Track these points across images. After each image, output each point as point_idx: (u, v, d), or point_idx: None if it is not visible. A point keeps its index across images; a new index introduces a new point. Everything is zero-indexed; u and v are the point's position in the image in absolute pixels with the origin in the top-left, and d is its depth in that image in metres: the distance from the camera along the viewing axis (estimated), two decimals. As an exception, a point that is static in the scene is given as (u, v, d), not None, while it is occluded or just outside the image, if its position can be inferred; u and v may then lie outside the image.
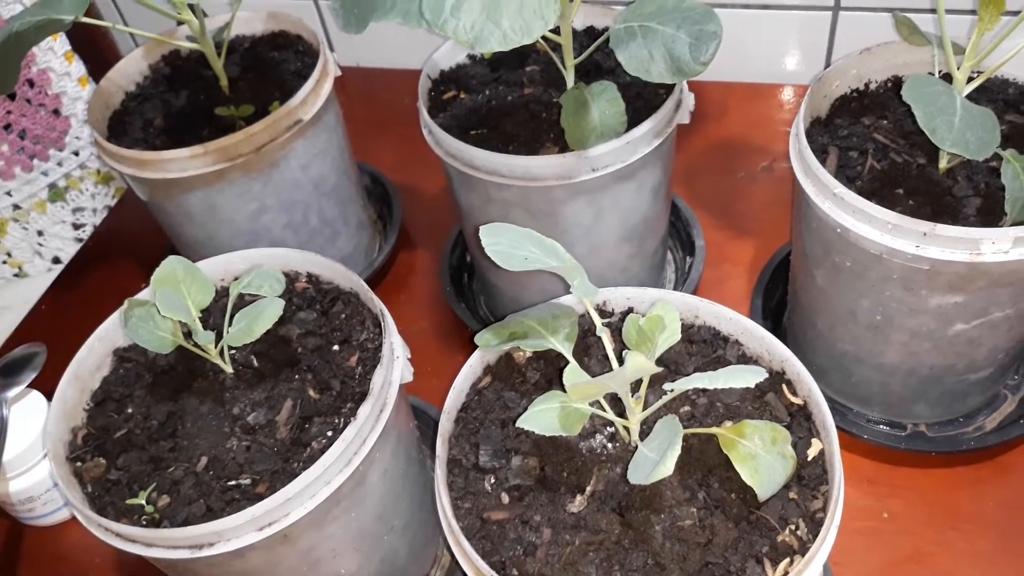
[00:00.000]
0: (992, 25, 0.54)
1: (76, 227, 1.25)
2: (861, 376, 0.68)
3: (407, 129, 0.72)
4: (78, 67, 1.13)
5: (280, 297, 0.57)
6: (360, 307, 0.60)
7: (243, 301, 0.57)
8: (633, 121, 0.65)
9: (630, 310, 0.56)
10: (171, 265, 0.53)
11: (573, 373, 0.44)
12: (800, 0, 0.94)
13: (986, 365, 0.65)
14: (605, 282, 0.75)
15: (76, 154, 1.18)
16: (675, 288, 0.83)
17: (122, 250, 1.02)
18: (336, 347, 0.58)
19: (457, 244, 0.88)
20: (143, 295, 0.57)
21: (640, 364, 0.39)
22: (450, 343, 0.83)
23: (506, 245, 0.46)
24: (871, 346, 0.65)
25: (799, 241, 0.67)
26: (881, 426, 0.71)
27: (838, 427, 0.68)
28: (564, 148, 0.65)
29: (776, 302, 0.80)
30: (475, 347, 0.51)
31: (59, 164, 1.18)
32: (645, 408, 0.47)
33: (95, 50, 1.21)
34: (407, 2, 0.59)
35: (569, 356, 0.48)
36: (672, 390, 0.42)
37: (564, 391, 0.47)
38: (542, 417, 0.44)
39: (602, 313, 0.56)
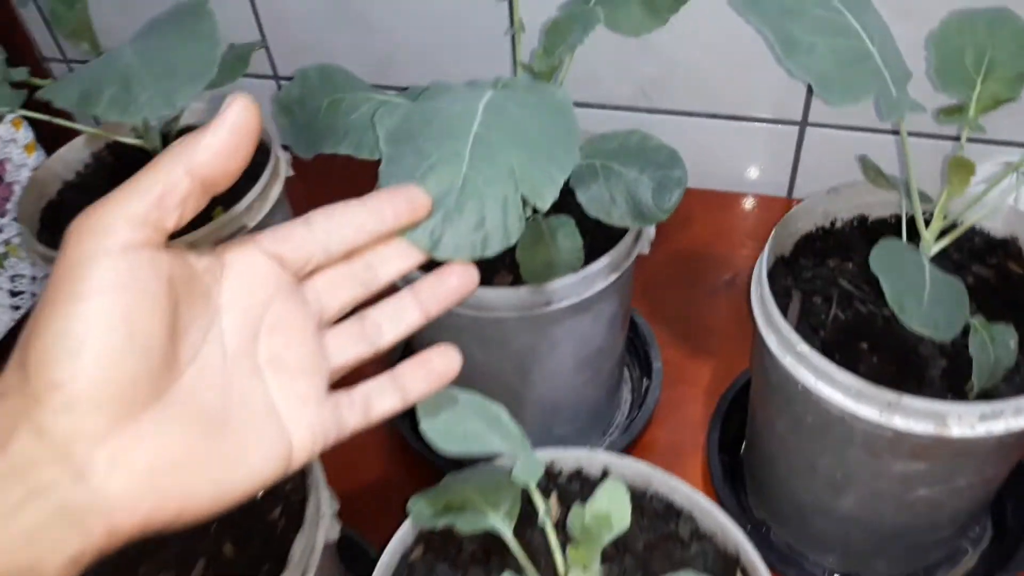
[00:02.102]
0: (961, 191, 0.52)
1: (13, 295, 1.19)
2: (820, 527, 0.65)
3: None
4: (26, 133, 1.09)
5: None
6: (290, 448, 0.55)
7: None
8: (591, 250, 0.62)
9: (579, 471, 0.53)
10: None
11: (508, 584, 0.40)
12: (768, 113, 0.93)
13: (948, 525, 0.62)
14: (558, 409, 0.72)
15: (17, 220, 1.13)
16: (631, 411, 0.80)
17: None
18: (259, 495, 0.54)
19: (407, 350, 0.84)
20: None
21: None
22: (394, 462, 0.78)
23: (444, 422, 0.42)
24: (831, 501, 0.62)
25: (759, 386, 0.64)
26: (839, 576, 0.68)
27: (794, 583, 0.65)
28: (519, 276, 0.62)
29: (735, 430, 0.77)
30: (421, 468, 0.47)
31: (-1, 230, 1.13)
32: (589, 601, 0.43)
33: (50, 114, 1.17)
34: (359, 132, 0.56)
35: (510, 538, 0.44)
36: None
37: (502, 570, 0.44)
38: (473, 622, 0.40)
39: (549, 474, 0.53)
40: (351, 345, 0.41)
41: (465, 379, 0.71)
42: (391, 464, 0.78)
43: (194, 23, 0.53)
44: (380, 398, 0.40)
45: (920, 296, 0.48)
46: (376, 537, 0.70)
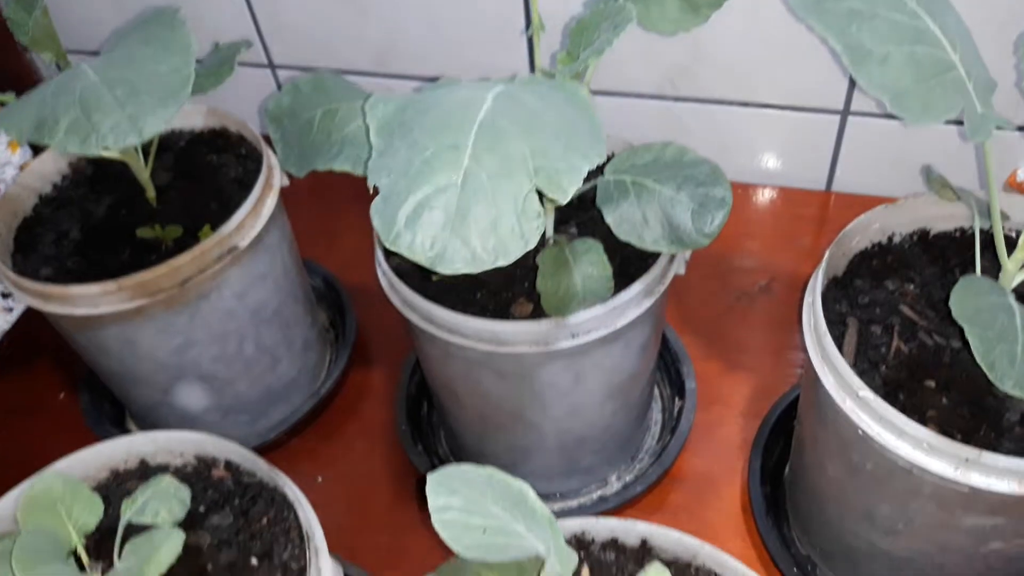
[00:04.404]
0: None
1: (5, 296, 1.14)
2: (874, 571, 0.59)
3: (368, 220, 0.63)
4: (8, 130, 1.03)
5: (194, 486, 0.48)
6: (285, 509, 0.50)
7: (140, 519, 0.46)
8: (621, 273, 0.55)
9: (614, 541, 0.47)
10: (46, 484, 0.43)
11: None
12: (806, 102, 0.86)
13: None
14: (584, 441, 0.66)
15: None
16: (662, 435, 0.73)
17: (49, 339, 0.91)
18: (254, 561, 0.48)
19: (417, 368, 0.78)
20: (7, 507, 0.46)
21: None
22: (403, 490, 0.73)
23: (459, 510, 0.36)
24: (888, 549, 0.56)
25: (809, 423, 0.58)
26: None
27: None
28: (539, 303, 0.56)
29: (777, 456, 0.70)
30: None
31: (-15, 232, 1.06)
32: None
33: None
34: (355, 147, 0.50)
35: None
36: None
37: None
38: None
39: (580, 542, 0.47)
40: None
41: (481, 414, 0.65)
42: (401, 492, 0.72)
43: (164, 34, 0.46)
44: None
45: (1013, 350, 0.41)
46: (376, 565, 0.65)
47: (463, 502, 0.36)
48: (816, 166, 0.91)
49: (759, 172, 0.93)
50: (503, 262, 0.34)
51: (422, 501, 0.73)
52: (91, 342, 0.65)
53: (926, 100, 0.41)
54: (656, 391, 0.77)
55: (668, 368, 0.76)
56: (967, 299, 0.43)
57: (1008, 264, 0.48)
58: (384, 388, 0.80)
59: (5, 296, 1.13)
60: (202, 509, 0.50)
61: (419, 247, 0.34)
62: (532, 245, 0.34)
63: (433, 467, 0.72)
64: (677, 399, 0.74)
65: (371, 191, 0.38)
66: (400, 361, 0.79)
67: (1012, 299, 0.45)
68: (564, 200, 0.34)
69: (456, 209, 0.34)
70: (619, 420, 0.66)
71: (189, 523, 0.48)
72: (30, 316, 0.97)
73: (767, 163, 0.92)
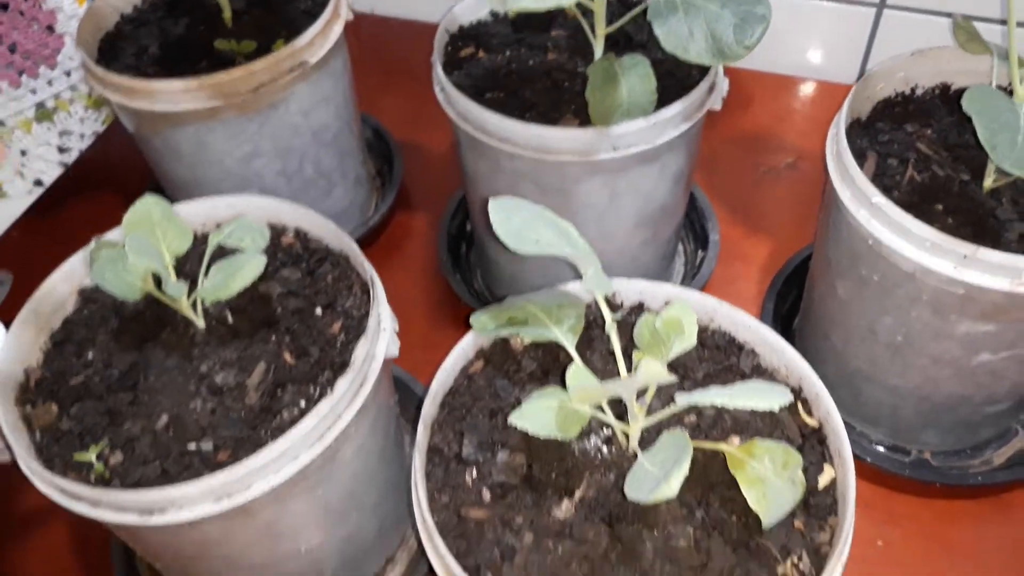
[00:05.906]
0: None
1: (61, 151, 1.19)
2: (871, 396, 0.65)
3: (417, 84, 0.67)
4: (77, -18, 1.07)
5: (264, 252, 0.53)
6: (349, 271, 0.55)
7: (223, 252, 0.52)
8: (661, 100, 0.60)
9: (640, 305, 0.52)
10: (147, 206, 0.49)
11: (578, 374, 0.40)
12: (844, -8, 0.89)
13: (1005, 399, 0.61)
14: (613, 270, 0.71)
15: (68, 74, 1.12)
16: (683, 283, 0.79)
17: (106, 180, 0.98)
18: (319, 311, 0.54)
19: (458, 212, 0.83)
20: (114, 235, 0.52)
21: (655, 372, 0.35)
22: (441, 315, 0.79)
23: (517, 225, 0.41)
24: (887, 367, 0.61)
25: (823, 247, 0.63)
26: (884, 448, 0.67)
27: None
28: (585, 123, 0.61)
29: (787, 309, 0.76)
30: (466, 324, 0.47)
31: (49, 83, 1.12)
32: (649, 414, 0.43)
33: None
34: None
35: (572, 351, 0.44)
36: (684, 403, 0.38)
37: (562, 386, 0.44)
38: (538, 416, 0.40)
39: (610, 305, 0.52)
40: None
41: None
42: (439, 317, 0.78)
43: None
44: None
45: (1014, 138, 0.46)
46: (418, 373, 0.71)
47: (520, 221, 0.42)
48: (849, 60, 0.95)
49: (793, 64, 0.97)
50: (566, 1, 0.38)
51: (459, 326, 0.79)
52: (166, 144, 0.70)
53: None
54: (680, 247, 0.82)
55: (694, 225, 0.81)
56: (978, 98, 0.48)
57: (1019, 90, 0.53)
58: (426, 232, 0.86)
59: (62, 151, 1.19)
60: (270, 269, 0.56)
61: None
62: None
63: (471, 293, 0.78)
64: (700, 251, 0.79)
65: None
66: (441, 209, 0.85)
67: (1018, 106, 0.50)
68: None
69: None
70: (647, 254, 0.71)
71: (260, 277, 0.53)
72: (87, 157, 1.03)
73: (801, 55, 0.96)
